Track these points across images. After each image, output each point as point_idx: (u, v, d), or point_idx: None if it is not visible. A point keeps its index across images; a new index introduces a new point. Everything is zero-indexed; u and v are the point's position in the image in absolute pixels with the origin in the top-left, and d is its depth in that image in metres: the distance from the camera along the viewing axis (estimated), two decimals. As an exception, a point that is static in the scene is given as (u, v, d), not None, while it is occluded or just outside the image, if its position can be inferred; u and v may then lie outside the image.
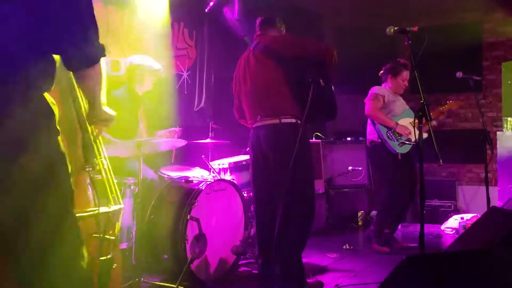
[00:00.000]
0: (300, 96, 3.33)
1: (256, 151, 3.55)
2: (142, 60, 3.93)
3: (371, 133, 4.78)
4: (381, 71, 4.90)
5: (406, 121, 4.69)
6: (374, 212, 6.09)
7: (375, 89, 4.76)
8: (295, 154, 3.13)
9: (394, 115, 4.69)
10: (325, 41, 6.98)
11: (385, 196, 4.75)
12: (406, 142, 4.61)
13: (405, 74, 4.75)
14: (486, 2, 6.43)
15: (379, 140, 4.66)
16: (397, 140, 4.61)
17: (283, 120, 3.36)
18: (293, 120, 3.36)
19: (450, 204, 6.63)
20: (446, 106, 4.89)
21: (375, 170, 5.09)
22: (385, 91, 4.74)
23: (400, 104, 4.79)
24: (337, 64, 3.37)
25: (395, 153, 4.60)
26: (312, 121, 3.37)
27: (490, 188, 4.44)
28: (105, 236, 2.29)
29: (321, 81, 3.26)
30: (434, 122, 4.74)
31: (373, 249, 4.70)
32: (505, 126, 5.77)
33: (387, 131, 4.62)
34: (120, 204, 2.41)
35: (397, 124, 4.62)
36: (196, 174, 4.09)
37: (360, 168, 5.96)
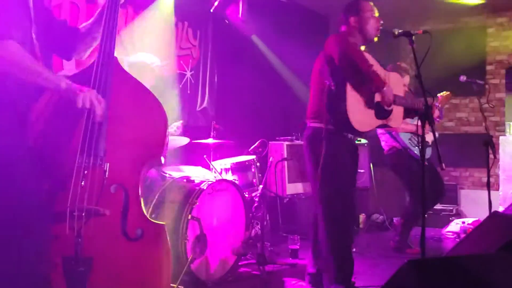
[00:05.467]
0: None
1: None
2: (142, 58, 3.91)
3: (389, 140, 4.69)
4: None
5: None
6: (376, 216, 6.06)
7: None
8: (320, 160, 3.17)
9: None
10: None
11: (411, 203, 4.65)
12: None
13: (406, 78, 4.65)
14: (490, 6, 6.43)
15: (401, 148, 4.58)
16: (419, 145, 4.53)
17: (315, 124, 3.31)
18: (321, 125, 3.23)
19: (451, 208, 6.61)
20: (439, 102, 4.80)
21: (400, 177, 4.85)
22: None
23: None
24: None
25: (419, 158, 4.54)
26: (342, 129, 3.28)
27: (492, 192, 4.42)
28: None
29: (327, 83, 3.18)
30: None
31: (407, 254, 4.59)
32: (507, 130, 5.77)
33: (408, 138, 4.55)
34: None
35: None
36: (198, 173, 4.09)
37: (362, 171, 5.94)
